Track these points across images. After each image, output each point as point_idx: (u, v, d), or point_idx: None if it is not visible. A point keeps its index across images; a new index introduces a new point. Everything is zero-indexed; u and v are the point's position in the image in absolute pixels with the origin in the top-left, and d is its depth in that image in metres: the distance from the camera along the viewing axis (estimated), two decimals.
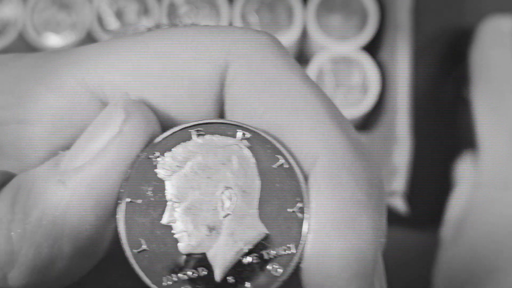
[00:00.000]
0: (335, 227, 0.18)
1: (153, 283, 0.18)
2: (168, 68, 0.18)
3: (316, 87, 0.19)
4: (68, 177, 0.18)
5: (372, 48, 0.44)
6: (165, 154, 0.18)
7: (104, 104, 0.19)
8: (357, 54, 0.43)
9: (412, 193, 0.42)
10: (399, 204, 0.42)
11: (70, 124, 0.19)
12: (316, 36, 0.43)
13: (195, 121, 0.18)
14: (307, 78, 0.19)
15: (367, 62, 0.43)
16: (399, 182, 0.42)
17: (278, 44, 0.19)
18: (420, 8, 0.42)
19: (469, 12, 0.45)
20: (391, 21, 0.43)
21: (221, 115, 0.19)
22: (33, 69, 0.19)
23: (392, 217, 0.43)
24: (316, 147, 0.18)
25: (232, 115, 0.19)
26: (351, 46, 0.43)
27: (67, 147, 0.19)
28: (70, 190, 0.17)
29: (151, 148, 0.18)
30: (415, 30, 0.42)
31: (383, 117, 0.43)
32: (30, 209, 0.18)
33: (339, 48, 0.43)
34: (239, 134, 0.18)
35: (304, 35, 0.44)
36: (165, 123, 0.19)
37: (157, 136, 0.18)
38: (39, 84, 0.19)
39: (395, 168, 0.43)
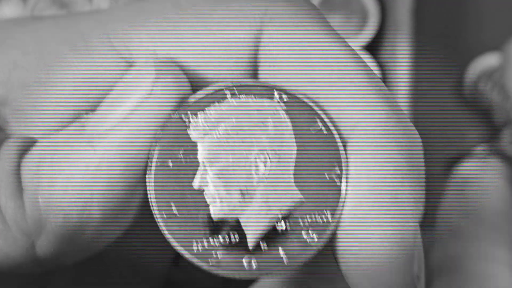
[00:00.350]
0: (374, 196, 0.17)
1: (183, 248, 0.17)
2: (200, 28, 0.18)
3: (355, 53, 0.18)
4: (97, 140, 0.17)
5: (373, 48, 0.43)
6: (198, 114, 0.18)
7: (131, 65, 0.18)
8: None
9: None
10: None
11: (95, 86, 0.18)
12: None
13: (230, 81, 0.18)
14: (345, 43, 0.18)
15: (367, 62, 0.43)
16: None
17: (314, 7, 0.19)
18: (420, 8, 0.42)
19: (470, 13, 0.45)
20: (391, 21, 0.43)
21: (255, 78, 0.18)
22: (56, 30, 0.18)
23: None
24: (356, 112, 0.17)
25: (267, 76, 0.18)
26: (352, 46, 0.43)
27: (91, 110, 0.18)
28: (99, 154, 0.16)
29: (184, 108, 0.17)
30: (415, 30, 0.42)
31: None
32: (56, 175, 0.17)
33: None
34: (276, 96, 0.18)
35: None
36: (196, 85, 0.18)
37: (189, 97, 0.18)
38: (62, 45, 0.18)
39: None
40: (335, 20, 0.42)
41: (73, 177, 0.16)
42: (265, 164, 0.17)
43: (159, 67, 0.17)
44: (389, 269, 0.17)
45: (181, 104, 0.17)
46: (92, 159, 0.17)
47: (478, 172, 0.46)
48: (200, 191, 0.17)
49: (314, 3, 0.43)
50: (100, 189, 0.17)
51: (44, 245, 0.17)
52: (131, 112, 0.17)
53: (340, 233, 0.17)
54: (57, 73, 0.18)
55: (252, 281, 0.19)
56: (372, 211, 0.17)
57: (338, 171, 0.17)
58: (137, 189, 0.17)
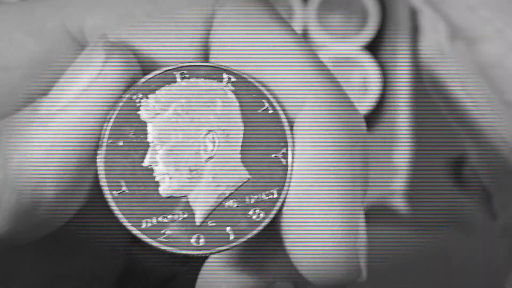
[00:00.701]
0: (317, 169, 0.17)
1: (132, 225, 0.18)
2: (154, 12, 0.18)
3: (300, 37, 0.19)
4: (49, 120, 0.17)
5: (373, 47, 0.44)
6: (149, 96, 0.18)
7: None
8: (358, 54, 0.43)
9: (413, 193, 0.41)
10: (399, 204, 0.42)
11: (49, 69, 0.19)
12: (317, 35, 0.43)
13: (180, 63, 0.18)
14: (292, 28, 0.19)
15: (367, 62, 0.43)
16: (399, 181, 0.42)
17: None
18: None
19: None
20: (391, 21, 0.43)
21: (206, 60, 0.19)
22: (10, 15, 0.19)
23: (392, 217, 0.43)
24: (302, 92, 0.18)
25: (218, 60, 0.19)
26: (352, 46, 0.43)
27: (45, 93, 0.18)
28: (51, 133, 0.17)
29: (134, 89, 0.18)
30: (415, 30, 0.42)
31: (384, 117, 0.43)
32: (11, 154, 0.17)
33: (339, 48, 0.43)
34: (225, 78, 0.18)
35: (304, 34, 0.44)
36: (150, 68, 0.19)
37: (139, 78, 0.18)
38: (17, 30, 0.19)
39: (396, 167, 0.42)
40: (335, 20, 0.43)
41: (27, 156, 0.17)
42: (213, 143, 0.18)
43: (108, 48, 0.18)
44: (332, 243, 0.17)
45: (132, 85, 0.18)
46: (45, 138, 0.17)
47: None
48: (150, 169, 0.18)
49: (314, 2, 0.43)
50: (53, 167, 0.17)
51: None
52: (82, 92, 0.17)
53: (285, 209, 0.18)
54: (12, 57, 0.18)
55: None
56: (315, 184, 0.17)
57: (284, 150, 0.18)
58: (89, 167, 0.18)
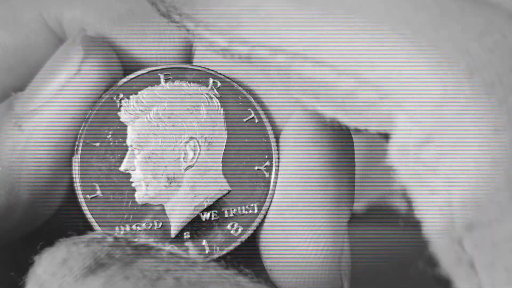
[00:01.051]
0: (304, 189, 0.16)
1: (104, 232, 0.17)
2: (136, 9, 0.18)
3: None
4: (24, 120, 0.16)
5: None
6: (130, 97, 0.17)
7: (63, 43, 0.18)
8: None
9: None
10: (399, 204, 0.41)
11: (25, 63, 0.18)
12: None
13: (165, 64, 0.17)
14: None
15: None
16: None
17: None
18: None
19: None
20: None
21: (190, 62, 0.18)
22: None
23: (392, 217, 0.42)
24: (290, 102, 0.17)
25: (202, 63, 0.18)
26: None
27: (21, 88, 0.17)
28: (27, 134, 0.16)
29: (115, 89, 0.17)
30: None
31: None
32: None
33: None
34: (210, 82, 0.17)
35: None
36: (129, 68, 0.18)
37: (119, 78, 0.17)
38: None
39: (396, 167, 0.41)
40: None
41: (1, 158, 0.16)
42: (194, 151, 0.17)
43: (88, 45, 0.17)
44: (315, 263, 0.16)
45: (112, 85, 0.17)
46: (20, 139, 0.16)
47: None
48: (127, 175, 0.17)
49: None
50: (28, 169, 0.16)
51: None
52: (59, 91, 0.17)
53: (265, 226, 0.17)
54: None
55: None
56: (299, 200, 0.16)
57: (268, 163, 0.17)
58: (66, 169, 0.17)
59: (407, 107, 0.13)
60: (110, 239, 0.15)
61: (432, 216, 0.13)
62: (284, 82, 0.14)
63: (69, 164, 0.17)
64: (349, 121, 0.14)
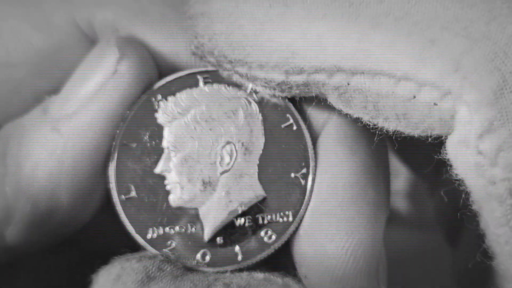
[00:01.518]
0: (343, 195, 0.16)
1: (137, 233, 0.17)
2: (169, 13, 0.17)
3: None
4: (62, 124, 0.16)
5: None
6: (168, 98, 0.17)
7: (95, 44, 0.18)
8: None
9: (413, 193, 0.41)
10: (400, 204, 0.41)
11: (57, 66, 0.17)
12: None
13: (204, 67, 0.17)
14: None
15: None
16: (399, 182, 0.41)
17: None
18: None
19: None
20: None
21: None
22: (15, 8, 0.18)
23: (392, 217, 0.42)
24: (327, 108, 0.17)
25: None
26: None
27: (54, 91, 0.17)
28: (65, 138, 0.16)
29: (153, 90, 0.17)
30: None
31: None
32: (23, 160, 0.16)
33: None
34: (250, 86, 0.17)
35: None
36: (162, 69, 0.17)
37: (155, 79, 0.17)
38: (23, 23, 0.17)
39: (396, 168, 0.41)
40: None
41: (40, 163, 0.16)
42: (230, 156, 0.17)
43: (123, 46, 0.16)
44: (354, 269, 0.16)
45: (148, 86, 0.17)
46: (58, 143, 0.16)
47: None
48: (162, 177, 0.17)
49: None
50: (67, 173, 0.16)
51: (13, 234, 0.16)
52: (95, 93, 0.16)
53: (300, 233, 0.17)
54: (18, 53, 0.17)
55: None
56: (337, 207, 0.16)
57: (305, 171, 0.17)
58: (103, 171, 0.17)
59: (468, 99, 0.13)
60: (161, 257, 0.15)
61: (491, 207, 0.14)
62: (344, 102, 0.14)
63: (107, 166, 0.17)
64: (412, 130, 0.14)
